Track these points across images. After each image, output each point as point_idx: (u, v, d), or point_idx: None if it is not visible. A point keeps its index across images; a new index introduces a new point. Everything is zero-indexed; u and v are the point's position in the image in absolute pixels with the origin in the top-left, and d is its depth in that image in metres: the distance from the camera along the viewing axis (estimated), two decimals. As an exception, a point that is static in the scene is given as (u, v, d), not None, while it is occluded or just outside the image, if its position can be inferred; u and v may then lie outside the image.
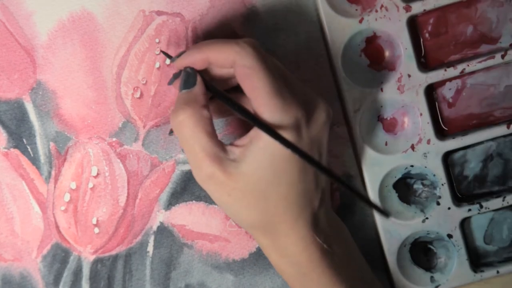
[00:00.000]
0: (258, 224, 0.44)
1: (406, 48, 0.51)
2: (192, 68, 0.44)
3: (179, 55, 0.45)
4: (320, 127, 0.44)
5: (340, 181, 0.42)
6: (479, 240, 0.54)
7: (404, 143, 0.52)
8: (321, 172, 0.43)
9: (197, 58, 0.44)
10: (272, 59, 0.45)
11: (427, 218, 0.52)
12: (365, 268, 0.49)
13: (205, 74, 0.44)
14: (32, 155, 0.51)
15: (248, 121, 0.42)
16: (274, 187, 0.42)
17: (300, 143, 0.42)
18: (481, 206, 0.52)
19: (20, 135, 0.51)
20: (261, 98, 0.42)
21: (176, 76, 0.45)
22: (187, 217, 0.52)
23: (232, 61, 0.43)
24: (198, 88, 0.43)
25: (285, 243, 0.44)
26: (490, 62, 0.51)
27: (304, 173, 0.43)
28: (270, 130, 0.41)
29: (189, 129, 0.42)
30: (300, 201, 0.43)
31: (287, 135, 0.41)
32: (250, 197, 0.42)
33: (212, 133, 0.42)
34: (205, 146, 0.42)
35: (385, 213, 0.43)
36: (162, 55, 0.50)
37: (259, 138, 0.42)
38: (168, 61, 0.50)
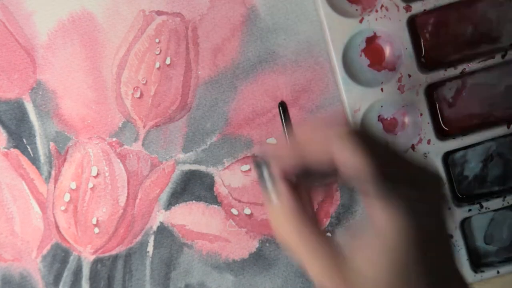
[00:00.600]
0: None
1: (406, 48, 0.51)
2: (273, 176, 0.38)
3: (265, 164, 0.39)
4: (434, 206, 0.39)
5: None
6: (479, 240, 0.54)
7: (404, 143, 0.52)
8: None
9: (290, 165, 0.38)
10: (376, 138, 0.39)
11: (427, 218, 0.52)
12: None
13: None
14: (32, 155, 0.51)
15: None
16: (389, 280, 0.37)
17: (419, 235, 0.37)
18: (481, 206, 0.52)
19: (20, 135, 0.50)
20: (368, 199, 0.37)
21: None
22: (187, 217, 0.52)
23: (335, 161, 0.37)
24: (290, 199, 0.38)
25: None
26: (490, 62, 0.51)
27: (421, 262, 0.38)
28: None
29: (300, 243, 0.37)
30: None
31: (407, 230, 0.36)
32: None
33: (324, 238, 0.38)
34: (320, 254, 0.37)
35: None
36: (162, 55, 0.50)
37: (377, 237, 0.37)
38: (168, 61, 0.50)
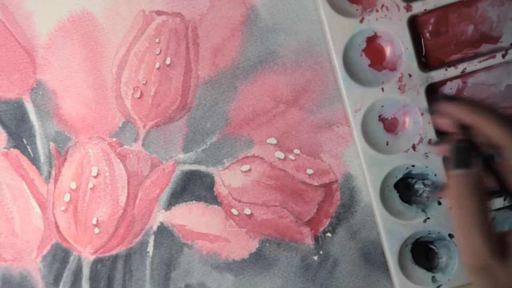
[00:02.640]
0: None
1: (407, 48, 0.51)
2: (466, 146, 0.42)
3: (448, 97, 0.44)
4: None
5: None
6: (480, 240, 0.54)
7: (405, 143, 0.52)
8: None
9: (467, 118, 0.43)
10: None
11: (428, 218, 0.52)
12: None
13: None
14: (32, 155, 0.51)
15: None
16: None
17: None
18: (482, 206, 0.52)
19: (20, 135, 0.51)
20: None
21: (437, 142, 0.45)
22: (187, 217, 0.52)
23: (501, 146, 0.42)
24: (478, 169, 0.41)
25: None
26: (490, 62, 0.51)
27: None
28: None
29: (475, 218, 0.40)
30: None
31: None
32: None
33: (490, 221, 0.40)
34: (485, 233, 0.40)
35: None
36: (162, 55, 0.50)
37: None
38: (168, 60, 0.50)
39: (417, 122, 0.52)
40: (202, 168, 0.52)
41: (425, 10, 0.51)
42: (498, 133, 0.41)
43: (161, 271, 0.52)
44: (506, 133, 0.41)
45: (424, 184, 0.53)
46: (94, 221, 0.51)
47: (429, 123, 0.51)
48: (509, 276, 0.39)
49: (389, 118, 0.53)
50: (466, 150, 0.41)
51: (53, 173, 0.51)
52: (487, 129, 0.42)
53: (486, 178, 0.43)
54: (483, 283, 0.40)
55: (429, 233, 0.53)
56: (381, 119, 0.53)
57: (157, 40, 0.50)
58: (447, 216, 0.52)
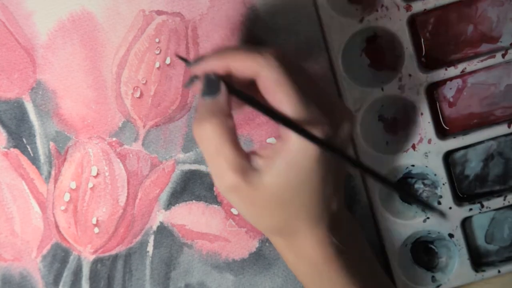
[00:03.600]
0: (277, 229, 0.44)
1: (406, 48, 0.51)
2: (215, 75, 0.42)
3: (196, 60, 0.43)
4: (345, 138, 0.43)
5: (381, 178, 0.43)
6: (480, 240, 0.54)
7: (405, 143, 0.52)
8: (356, 167, 0.44)
9: (217, 66, 0.42)
10: (299, 67, 0.44)
11: (428, 217, 0.52)
12: (377, 266, 0.49)
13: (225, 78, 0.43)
14: (32, 155, 0.51)
15: (283, 124, 0.40)
16: (296, 196, 0.42)
17: (324, 154, 0.41)
18: (482, 206, 0.52)
19: (20, 135, 0.51)
20: (286, 113, 0.40)
21: (193, 79, 0.43)
22: (187, 217, 0.52)
23: (255, 72, 0.41)
24: (223, 96, 0.41)
25: (302, 245, 0.44)
26: (490, 62, 0.51)
27: (325, 180, 0.42)
28: (304, 131, 0.40)
29: (214, 141, 0.40)
30: (320, 205, 0.43)
31: (314, 149, 0.40)
32: (273, 206, 0.42)
33: (236, 143, 0.41)
34: (229, 158, 0.40)
35: (440, 212, 0.42)
36: (162, 54, 0.50)
37: (285, 152, 0.41)
38: (168, 60, 0.50)
39: (417, 122, 0.52)
40: (202, 168, 0.52)
41: (425, 10, 0.51)
42: (247, 62, 0.41)
43: (161, 271, 0.52)
44: (255, 59, 0.41)
45: (424, 184, 0.53)
46: (94, 221, 0.51)
47: (428, 122, 0.51)
48: (258, 192, 0.41)
49: (389, 118, 0.53)
50: (215, 80, 0.41)
51: (53, 173, 0.51)
52: (237, 64, 0.42)
53: (237, 104, 0.45)
54: (236, 200, 0.42)
55: (429, 233, 0.53)
56: (381, 119, 0.53)
57: (157, 40, 0.50)
58: (447, 216, 0.52)
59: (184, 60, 0.46)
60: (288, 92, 0.40)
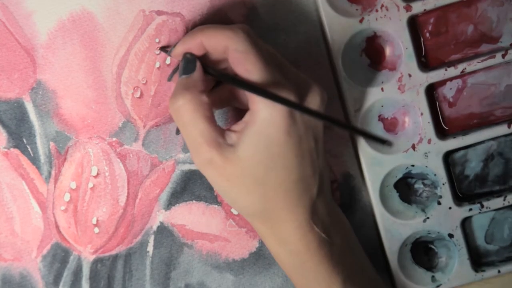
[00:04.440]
0: (256, 210, 0.44)
1: (406, 48, 0.51)
2: (191, 54, 0.45)
3: (174, 45, 0.46)
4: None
5: (350, 127, 0.46)
6: (480, 240, 0.54)
7: (404, 143, 0.52)
8: (333, 124, 0.45)
9: (192, 44, 0.44)
10: (265, 45, 0.46)
11: (428, 217, 0.52)
12: (365, 260, 0.49)
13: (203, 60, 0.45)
14: (32, 155, 0.51)
15: (252, 92, 0.42)
16: (271, 172, 0.43)
17: (294, 126, 0.42)
18: (482, 206, 0.52)
19: (20, 135, 0.51)
20: (253, 82, 0.42)
21: (175, 70, 0.47)
22: (187, 217, 0.52)
23: (225, 46, 0.43)
24: (197, 73, 0.44)
25: (283, 231, 0.44)
26: (490, 62, 0.51)
27: (300, 157, 0.43)
28: (276, 96, 0.41)
29: (187, 114, 0.42)
30: (298, 187, 0.43)
31: (281, 119, 0.42)
32: (248, 182, 0.43)
33: (210, 118, 0.42)
34: (204, 131, 0.42)
35: (387, 141, 0.44)
36: (162, 54, 0.50)
37: (254, 122, 0.42)
38: (168, 60, 0.50)
39: (417, 122, 0.52)
40: (202, 168, 0.52)
41: (425, 10, 0.51)
42: (218, 36, 0.44)
43: (161, 271, 0.52)
44: (224, 33, 0.43)
45: (424, 184, 0.53)
46: (94, 221, 0.51)
47: (428, 123, 0.51)
48: (233, 166, 0.42)
49: (389, 118, 0.53)
50: (191, 59, 0.44)
51: (53, 173, 0.51)
52: (209, 39, 0.44)
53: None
54: (211, 174, 0.43)
55: (429, 233, 0.53)
56: (381, 119, 0.53)
57: (157, 40, 0.50)
58: (447, 216, 0.52)
59: (165, 50, 0.49)
60: (255, 61, 0.42)
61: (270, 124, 0.42)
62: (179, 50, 0.45)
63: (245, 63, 0.42)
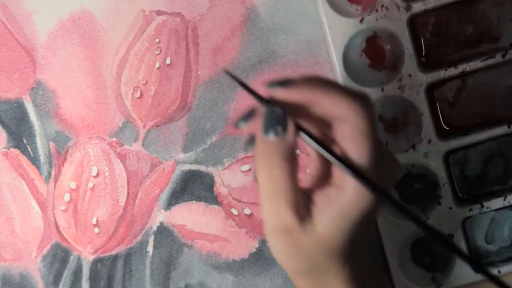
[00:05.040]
0: (308, 272, 0.42)
1: (406, 48, 0.51)
2: (283, 110, 0.37)
3: (283, 83, 0.38)
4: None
5: (435, 234, 0.39)
6: (480, 240, 0.54)
7: (405, 143, 0.52)
8: (413, 221, 0.39)
9: (304, 97, 0.38)
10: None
11: (428, 218, 0.52)
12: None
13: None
14: (32, 155, 0.51)
15: (342, 167, 0.37)
16: (342, 251, 0.40)
17: (373, 207, 0.39)
18: (482, 206, 0.52)
19: (20, 135, 0.51)
20: (357, 163, 0.38)
21: (247, 117, 0.39)
22: (187, 217, 0.52)
23: (343, 115, 0.38)
24: (291, 135, 0.38)
25: (329, 285, 0.42)
26: (490, 62, 0.51)
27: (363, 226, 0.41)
28: (364, 177, 0.37)
29: (281, 183, 0.38)
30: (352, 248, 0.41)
31: (370, 207, 0.39)
32: (315, 254, 0.40)
33: (298, 186, 0.39)
34: (292, 200, 0.38)
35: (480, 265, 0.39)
36: (162, 54, 0.50)
37: (342, 202, 0.39)
38: (168, 60, 0.50)
39: (417, 123, 0.52)
40: (202, 168, 0.52)
41: (425, 10, 0.51)
42: (340, 102, 0.37)
43: (161, 271, 0.52)
44: (350, 102, 0.37)
45: (424, 184, 0.53)
46: (94, 221, 0.51)
47: (428, 123, 0.51)
48: (308, 238, 0.39)
49: (389, 118, 0.53)
50: (280, 114, 0.37)
51: (53, 173, 0.51)
52: (326, 101, 0.38)
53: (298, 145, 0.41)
54: (283, 244, 0.40)
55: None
56: (381, 119, 0.53)
57: (157, 40, 0.50)
58: (447, 217, 0.52)
59: (243, 85, 0.40)
60: (370, 147, 0.38)
61: (356, 207, 0.38)
62: (285, 95, 0.38)
63: (362, 145, 0.38)
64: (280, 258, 0.41)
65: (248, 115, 0.39)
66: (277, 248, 0.40)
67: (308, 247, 0.40)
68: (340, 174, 0.39)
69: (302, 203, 0.39)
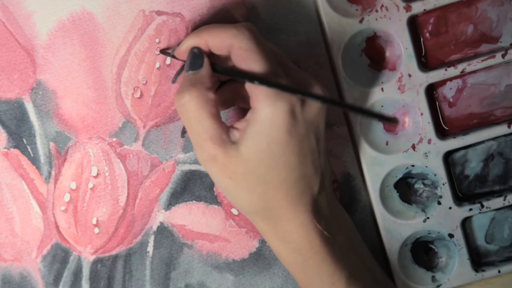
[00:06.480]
0: (258, 208, 0.44)
1: (406, 48, 0.51)
2: (198, 49, 0.45)
3: (178, 44, 0.46)
4: (316, 111, 0.44)
5: (354, 108, 0.46)
6: (480, 240, 0.54)
7: (405, 143, 0.52)
8: (335, 105, 0.47)
9: (197, 42, 0.45)
10: (269, 43, 0.46)
11: (428, 217, 0.52)
12: (367, 255, 0.49)
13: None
14: (32, 155, 0.51)
15: (259, 84, 0.42)
16: (273, 170, 0.43)
17: (295, 126, 0.42)
18: (482, 206, 0.52)
19: (20, 135, 0.51)
20: (256, 94, 0.42)
21: (179, 72, 0.47)
22: (187, 217, 0.52)
23: (230, 44, 0.43)
24: (205, 69, 0.44)
25: (285, 229, 0.44)
26: (490, 62, 0.51)
27: (302, 156, 0.43)
28: (280, 85, 0.42)
29: (193, 110, 0.42)
30: (300, 185, 0.44)
31: (282, 118, 0.42)
32: (250, 180, 0.43)
33: (216, 115, 0.43)
34: (209, 128, 0.42)
35: (393, 118, 0.42)
36: (162, 55, 0.50)
37: (255, 121, 0.42)
38: (168, 60, 0.50)
39: (417, 122, 0.52)
40: (202, 168, 0.52)
41: (424, 10, 0.51)
42: (222, 35, 0.44)
43: (161, 271, 0.52)
44: (229, 31, 0.44)
45: (424, 184, 0.53)
46: (94, 221, 0.51)
47: (428, 123, 0.51)
48: (235, 162, 0.42)
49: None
50: (198, 54, 0.44)
51: (53, 173, 0.51)
52: (213, 38, 0.44)
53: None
54: (214, 171, 0.43)
55: (429, 233, 0.53)
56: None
57: (157, 40, 0.50)
58: (447, 216, 0.52)
59: (166, 52, 0.49)
60: (258, 58, 0.43)
61: (271, 123, 0.42)
62: (184, 47, 0.45)
63: (249, 61, 0.43)
64: (224, 192, 0.45)
65: (178, 72, 0.48)
66: (216, 179, 0.44)
67: (239, 174, 0.43)
68: (253, 97, 0.43)
69: (223, 132, 0.42)
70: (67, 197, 0.51)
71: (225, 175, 0.43)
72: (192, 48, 0.45)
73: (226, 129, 0.43)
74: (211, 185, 0.52)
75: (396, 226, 0.52)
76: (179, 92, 0.43)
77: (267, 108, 0.42)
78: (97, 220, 0.51)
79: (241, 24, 0.44)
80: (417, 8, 0.51)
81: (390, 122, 0.42)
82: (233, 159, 0.42)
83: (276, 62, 0.44)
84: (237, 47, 0.43)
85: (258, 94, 0.42)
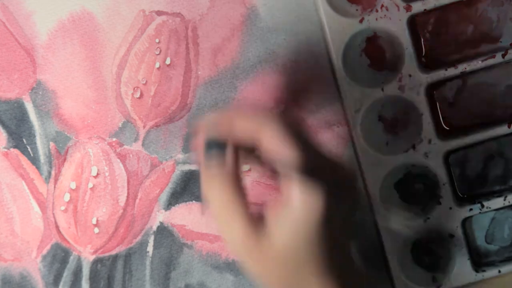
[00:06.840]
0: (289, 284, 0.42)
1: (406, 48, 0.51)
2: (218, 139, 0.41)
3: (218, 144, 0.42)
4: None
5: None
6: (480, 240, 0.54)
7: (405, 143, 0.52)
8: None
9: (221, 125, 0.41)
10: (298, 125, 0.43)
11: (428, 218, 0.52)
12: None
13: None
14: (32, 155, 0.51)
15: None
16: (305, 254, 0.41)
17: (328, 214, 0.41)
18: (483, 206, 0.52)
19: (20, 135, 0.51)
20: (288, 182, 0.40)
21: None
22: (187, 217, 0.52)
23: (257, 130, 0.41)
24: (231, 158, 0.41)
25: None
26: (490, 62, 0.51)
27: (329, 235, 0.42)
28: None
29: (228, 208, 0.41)
30: (326, 256, 0.42)
31: (317, 208, 0.40)
32: (283, 265, 0.41)
33: (246, 208, 0.41)
34: (244, 223, 0.40)
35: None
36: (162, 55, 0.50)
37: (290, 214, 0.40)
38: (168, 60, 0.50)
39: (417, 123, 0.52)
40: (202, 168, 0.52)
41: (425, 10, 0.51)
42: (250, 126, 0.41)
43: (161, 271, 0.52)
44: (257, 118, 0.41)
45: (424, 184, 0.53)
46: (94, 221, 0.51)
47: (428, 123, 0.51)
48: (268, 253, 0.41)
49: (389, 119, 0.53)
50: (217, 143, 0.40)
51: (53, 173, 0.51)
52: (240, 128, 0.41)
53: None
54: (253, 266, 0.42)
55: (429, 233, 0.53)
56: (381, 119, 0.53)
57: (157, 40, 0.50)
58: (447, 216, 0.52)
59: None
60: (292, 147, 0.40)
61: (306, 218, 0.40)
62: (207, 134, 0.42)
63: (278, 150, 0.40)
64: (257, 278, 0.43)
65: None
66: (248, 267, 0.42)
67: (272, 262, 0.41)
68: (285, 191, 0.40)
69: (255, 223, 0.41)
70: (67, 197, 0.51)
71: (259, 265, 0.42)
72: (208, 137, 0.41)
73: (258, 217, 0.41)
74: (211, 185, 0.52)
75: (396, 226, 0.52)
76: (211, 187, 0.41)
77: (302, 204, 0.40)
78: (97, 220, 0.51)
79: (268, 110, 0.43)
80: (417, 8, 0.51)
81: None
82: (266, 250, 0.41)
83: (308, 152, 0.41)
84: (267, 135, 0.40)
85: (296, 191, 0.40)
